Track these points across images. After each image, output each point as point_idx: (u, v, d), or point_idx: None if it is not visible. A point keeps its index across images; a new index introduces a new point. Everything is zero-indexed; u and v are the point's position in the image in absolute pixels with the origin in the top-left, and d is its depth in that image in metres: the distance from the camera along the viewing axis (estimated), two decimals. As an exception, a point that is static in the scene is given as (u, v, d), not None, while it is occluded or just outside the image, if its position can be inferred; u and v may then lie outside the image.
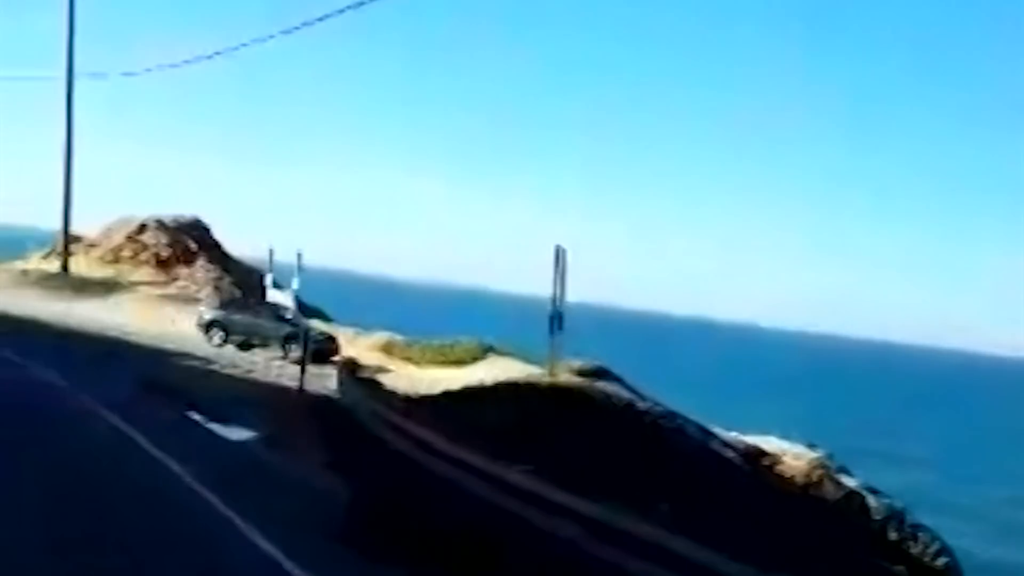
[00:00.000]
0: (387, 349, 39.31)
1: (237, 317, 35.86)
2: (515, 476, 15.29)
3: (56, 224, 48.41)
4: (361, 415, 20.67)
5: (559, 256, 27.23)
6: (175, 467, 15.58)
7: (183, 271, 48.56)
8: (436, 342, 39.62)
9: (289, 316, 36.30)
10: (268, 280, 45.29)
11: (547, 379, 26.96)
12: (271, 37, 38.59)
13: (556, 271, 27.27)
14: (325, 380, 25.62)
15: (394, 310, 74.27)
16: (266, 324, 35.14)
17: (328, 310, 47.46)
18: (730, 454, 27.50)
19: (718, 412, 35.20)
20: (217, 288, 47.28)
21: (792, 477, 31.25)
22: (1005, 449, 71.41)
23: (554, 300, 27.29)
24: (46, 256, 50.23)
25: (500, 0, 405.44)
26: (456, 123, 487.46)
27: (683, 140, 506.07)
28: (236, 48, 41.75)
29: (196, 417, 20.23)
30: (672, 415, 26.86)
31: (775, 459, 32.01)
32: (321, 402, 23.26)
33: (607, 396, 24.93)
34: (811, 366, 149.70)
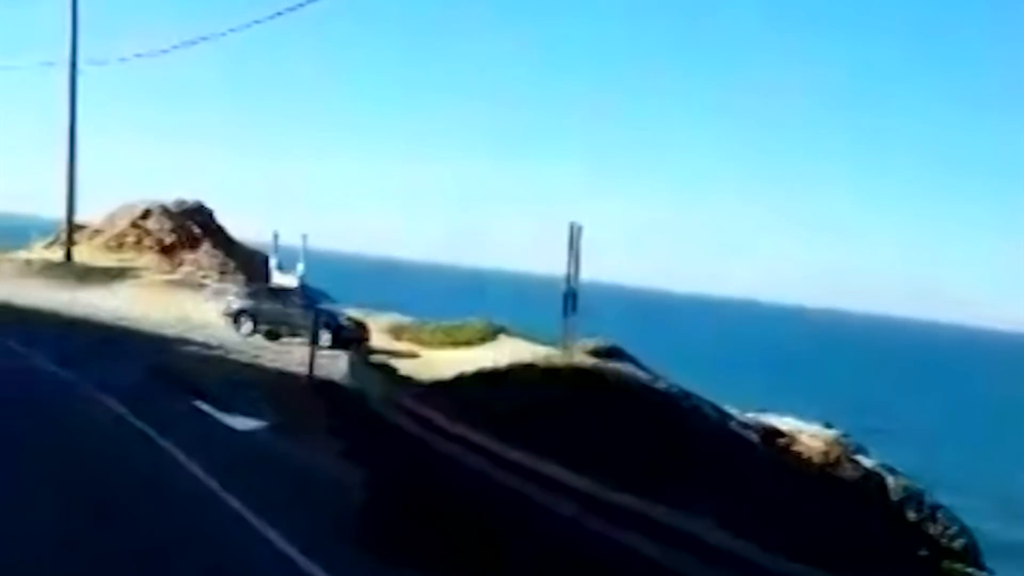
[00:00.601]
0: (395, 331, 38.27)
1: (266, 306, 34.65)
2: (535, 463, 14.27)
3: (59, 213, 47.31)
4: (373, 400, 19.57)
5: (573, 234, 26.14)
6: (182, 458, 14.53)
7: (188, 256, 47.50)
8: (445, 324, 38.58)
9: (322, 304, 34.94)
10: (273, 263, 44.25)
11: (563, 360, 25.95)
12: (256, 23, 38.14)
13: (570, 250, 26.20)
14: (335, 365, 24.52)
15: (400, 292, 73.10)
16: (295, 312, 33.73)
17: (334, 293, 46.27)
18: (750, 435, 26.38)
19: (726, 390, 34.20)
20: (223, 273, 46.23)
21: (809, 457, 30.29)
22: (1012, 425, 70.36)
23: (568, 279, 26.22)
24: (49, 245, 49.13)
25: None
26: (454, 106, 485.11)
27: (682, 120, 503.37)
28: (223, 34, 41.41)
29: (203, 406, 19.11)
30: (688, 395, 25.86)
31: (791, 439, 31.03)
32: (331, 388, 22.16)
33: (625, 377, 23.90)
34: (812, 341, 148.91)
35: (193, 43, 43.48)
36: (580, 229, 26.35)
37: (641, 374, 25.99)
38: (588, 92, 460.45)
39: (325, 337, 32.14)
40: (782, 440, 30.45)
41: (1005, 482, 49.71)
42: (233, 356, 27.75)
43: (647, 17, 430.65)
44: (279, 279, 43.07)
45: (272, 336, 33.63)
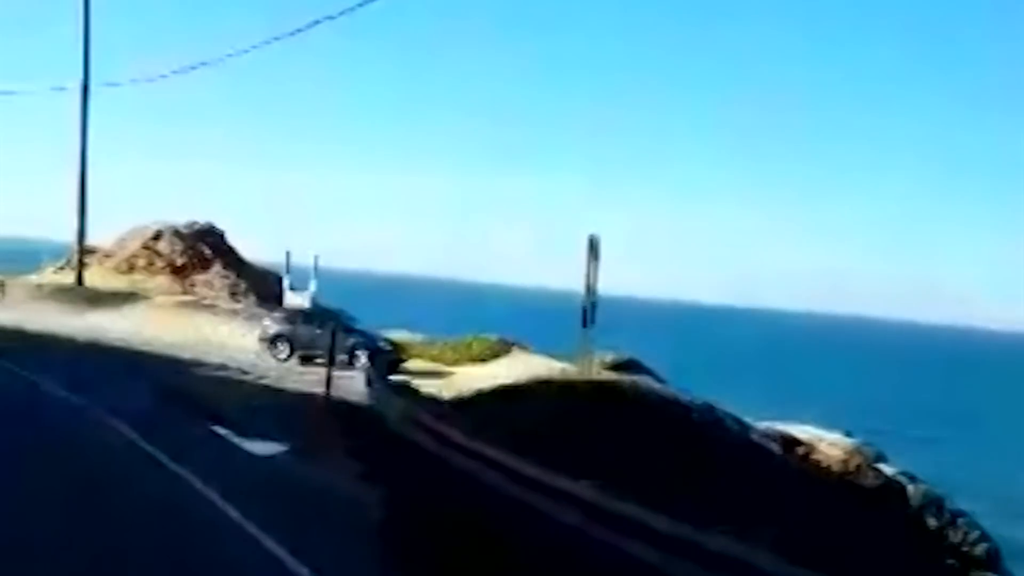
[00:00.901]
0: (405, 349, 37.74)
1: (302, 330, 34.03)
2: (568, 484, 13.75)
3: (69, 236, 46.85)
4: (391, 420, 19.05)
5: (593, 246, 25.59)
6: (199, 485, 14.04)
7: (199, 278, 47.06)
8: (455, 340, 38.11)
9: (356, 326, 34.68)
10: (285, 283, 43.81)
11: (584, 375, 25.46)
12: (253, 48, 38.49)
13: (589, 262, 25.65)
14: (352, 384, 24.03)
15: (406, 308, 72.48)
16: (327, 335, 33.08)
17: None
18: (771, 446, 25.87)
19: (734, 398, 33.69)
20: (234, 294, 45.80)
21: (829, 466, 29.77)
22: (1013, 426, 69.68)
23: (588, 291, 25.69)
24: (60, 268, 48.71)
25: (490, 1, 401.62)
26: (453, 120, 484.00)
27: (680, 130, 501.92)
28: (228, 56, 41.85)
29: (220, 431, 18.61)
30: (710, 408, 25.36)
31: (810, 448, 30.53)
32: (350, 408, 21.66)
33: (645, 391, 23.33)
34: (810, 346, 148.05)
35: (194, 68, 43.44)
36: (599, 241, 25.78)
37: (660, 387, 25.46)
38: (583, 106, 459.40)
39: (363, 360, 32.00)
40: (801, 449, 29.96)
41: (1012, 484, 49.10)
42: (249, 378, 27.30)
43: (641, 29, 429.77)
44: (292, 299, 42.63)
45: (307, 360, 32.95)
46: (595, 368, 26.64)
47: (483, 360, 35.16)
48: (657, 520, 11.53)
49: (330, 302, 44.64)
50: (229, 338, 38.19)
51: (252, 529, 11.76)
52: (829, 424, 33.96)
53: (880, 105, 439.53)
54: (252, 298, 45.86)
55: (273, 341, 34.02)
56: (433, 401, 21.56)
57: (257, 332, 35.43)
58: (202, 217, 51.54)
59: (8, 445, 15.86)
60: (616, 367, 28.20)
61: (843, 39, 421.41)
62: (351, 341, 32.79)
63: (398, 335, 39.80)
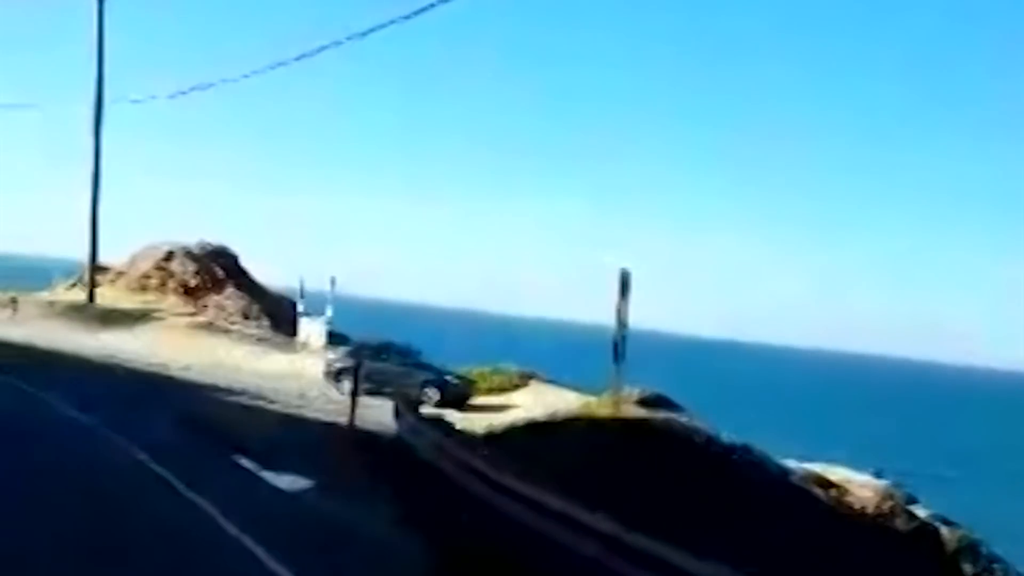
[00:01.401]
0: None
1: (371, 364, 31.40)
2: (619, 531, 12.41)
3: (81, 254, 45.52)
4: (424, 453, 17.62)
5: (624, 281, 24.27)
6: (222, 521, 12.75)
7: (211, 299, 45.70)
8: (476, 370, 36.71)
9: (422, 360, 33.22)
10: (300, 308, 42.54)
11: (612, 410, 24.09)
12: (256, 72, 37.66)
13: (621, 296, 24.31)
14: (377, 414, 22.66)
15: (422, 337, 70.84)
16: (398, 370, 31.83)
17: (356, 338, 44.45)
18: (816, 490, 24.48)
19: (744, 435, 32.38)
20: (247, 317, 44.47)
21: (863, 508, 28.38)
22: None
23: (619, 325, 24.34)
24: (72, 286, 47.39)
25: (495, 31, 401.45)
26: (455, 150, 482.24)
27: (682, 164, 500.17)
28: (235, 79, 40.76)
29: (245, 463, 17.22)
30: (747, 448, 23.94)
31: (842, 489, 29.16)
32: (378, 440, 20.24)
33: (685, 430, 21.94)
34: (810, 382, 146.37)
35: (203, 88, 42.40)
36: (629, 275, 24.46)
37: (697, 425, 24.05)
38: (586, 137, 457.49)
39: (433, 395, 30.85)
40: (833, 491, 28.58)
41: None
42: (270, 405, 25.91)
43: (645, 61, 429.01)
44: (307, 326, 41.34)
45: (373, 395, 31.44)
46: (623, 403, 25.28)
47: (503, 390, 33.79)
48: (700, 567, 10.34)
49: (344, 328, 43.42)
50: (243, 361, 36.87)
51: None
52: (845, 462, 32.64)
53: (883, 139, 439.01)
54: (265, 321, 44.54)
55: (338, 376, 32.06)
56: (464, 435, 20.15)
57: (320, 367, 33.64)
58: (209, 238, 50.10)
59: (18, 476, 14.50)
60: (645, 403, 26.77)
61: (846, 73, 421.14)
62: (421, 377, 31.51)
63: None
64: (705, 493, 19.44)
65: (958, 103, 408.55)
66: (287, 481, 16.10)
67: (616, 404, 24.73)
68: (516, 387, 34.85)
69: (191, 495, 14.19)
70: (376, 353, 32.80)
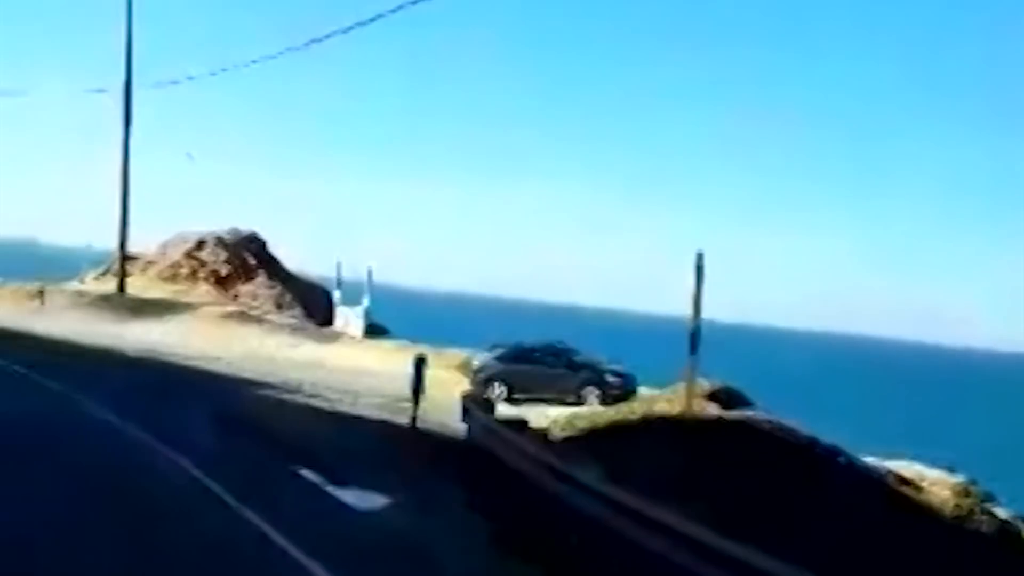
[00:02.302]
0: (465, 369, 33.82)
1: (521, 368, 29.19)
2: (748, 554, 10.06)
3: (111, 243, 43.12)
4: (511, 460, 15.15)
5: (699, 265, 21.77)
6: (288, 547, 10.42)
7: (243, 288, 43.29)
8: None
9: (579, 359, 29.86)
10: (336, 297, 40.19)
11: (689, 407, 21.67)
12: (264, 57, 39.03)
13: (697, 283, 21.83)
14: (439, 412, 20.25)
15: (459, 325, 68.10)
16: (553, 371, 28.87)
17: (396, 327, 42.01)
18: (908, 491, 22.03)
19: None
20: (279, 306, 42.08)
21: (940, 507, 25.99)
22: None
23: (696, 314, 21.89)
24: (101, 275, 44.99)
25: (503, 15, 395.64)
26: (465, 132, 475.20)
27: (688, 148, 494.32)
28: (247, 64, 41.16)
29: (305, 474, 14.76)
30: (837, 448, 21.54)
31: (917, 487, 26.76)
32: (450, 444, 17.81)
33: (779, 433, 19.50)
34: (824, 367, 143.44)
35: (213, 74, 42.67)
36: (702, 257, 21.96)
37: (781, 423, 21.59)
38: (588, 120, 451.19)
39: (592, 397, 28.14)
40: (908, 488, 26.18)
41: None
42: (316, 401, 23.44)
43: (651, 44, 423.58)
44: (343, 314, 38.98)
45: (526, 400, 28.32)
46: (697, 398, 22.85)
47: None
48: None
49: (385, 319, 41.07)
50: (278, 352, 34.51)
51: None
52: (910, 457, 30.21)
53: (882, 124, 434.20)
54: (298, 310, 42.13)
55: (487, 382, 28.98)
56: (540, 433, 17.69)
57: (469, 373, 30.25)
58: (236, 224, 47.47)
59: (53, 501, 12.08)
60: (716, 397, 24.33)
61: (842, 58, 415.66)
62: (580, 377, 28.61)
63: (453, 354, 35.93)
64: (826, 504, 17.09)
65: (958, 90, 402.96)
66: (358, 497, 13.62)
67: (690, 399, 22.32)
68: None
69: (248, 514, 11.77)
70: (525, 355, 29.85)
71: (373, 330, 38.96)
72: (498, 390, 28.53)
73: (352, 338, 37.34)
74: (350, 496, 13.59)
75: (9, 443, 14.98)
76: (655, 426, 19.01)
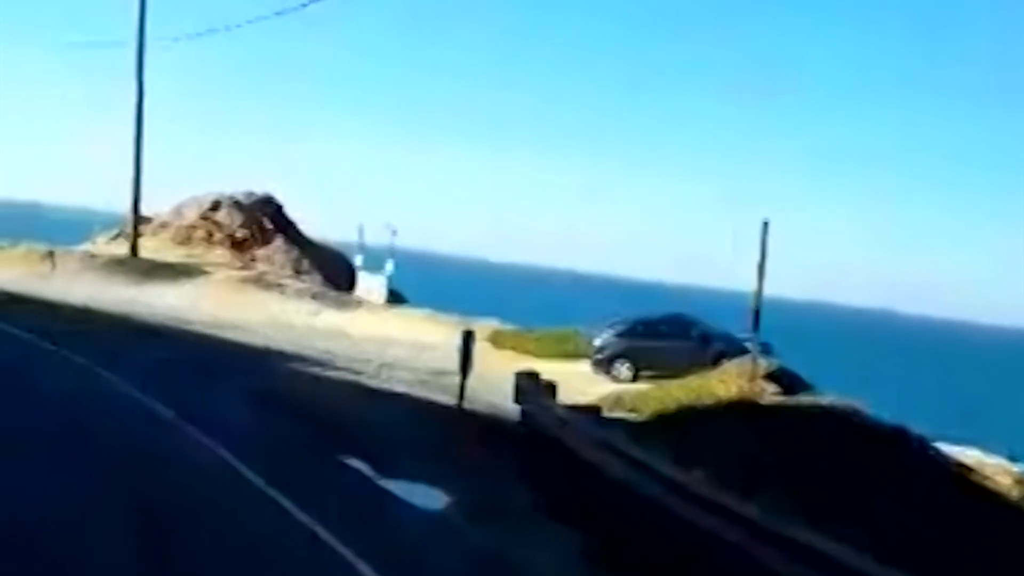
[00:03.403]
0: (494, 339, 32.05)
1: (647, 344, 26.62)
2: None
3: (121, 206, 41.16)
4: (578, 449, 13.46)
5: (764, 236, 19.99)
6: (348, 556, 8.83)
7: (260, 252, 41.48)
8: (552, 331, 32.51)
9: (707, 331, 27.16)
10: (358, 262, 38.43)
11: (752, 388, 20.01)
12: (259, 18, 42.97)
13: (761, 256, 20.06)
14: (483, 391, 18.55)
15: (482, 293, 65.95)
16: (684, 345, 26.26)
17: (420, 295, 40.26)
18: (997, 484, 20.39)
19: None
20: (298, 271, 40.29)
21: (1007, 494, 24.43)
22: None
23: (759, 290, 20.17)
24: (113, 238, 43.10)
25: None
26: (478, 96, 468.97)
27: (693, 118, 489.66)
28: (239, 26, 44.73)
29: (354, 464, 13.08)
30: (907, 431, 19.86)
31: (980, 474, 25.16)
32: (504, 428, 16.14)
33: (860, 419, 17.80)
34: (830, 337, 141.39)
35: (200, 35, 41.35)
36: (767, 227, 20.13)
37: (856, 408, 19.88)
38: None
39: None
40: (972, 476, 24.56)
41: None
42: (347, 375, 21.71)
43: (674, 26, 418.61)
44: (366, 281, 37.23)
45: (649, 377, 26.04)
46: (759, 380, 21.16)
47: (577, 356, 29.61)
48: None
49: (407, 287, 39.33)
50: (298, 319, 32.81)
51: None
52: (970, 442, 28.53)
53: (879, 98, 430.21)
54: (317, 275, 40.35)
55: (611, 361, 26.79)
56: (611, 416, 15.99)
57: (591, 351, 27.69)
58: (250, 186, 45.44)
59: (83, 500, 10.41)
60: (774, 378, 22.59)
61: (842, 32, 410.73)
62: (714, 349, 25.95)
63: (482, 324, 34.18)
64: (901, 489, 15.43)
65: (957, 63, 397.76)
66: (418, 494, 11.98)
67: (753, 380, 20.64)
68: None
69: (300, 515, 10.13)
70: (651, 329, 27.37)
71: (392, 297, 37.24)
72: (624, 369, 26.34)
73: (374, 305, 35.63)
74: (406, 491, 11.96)
75: (30, 424, 13.31)
76: (726, 410, 17.25)
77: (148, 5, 39.55)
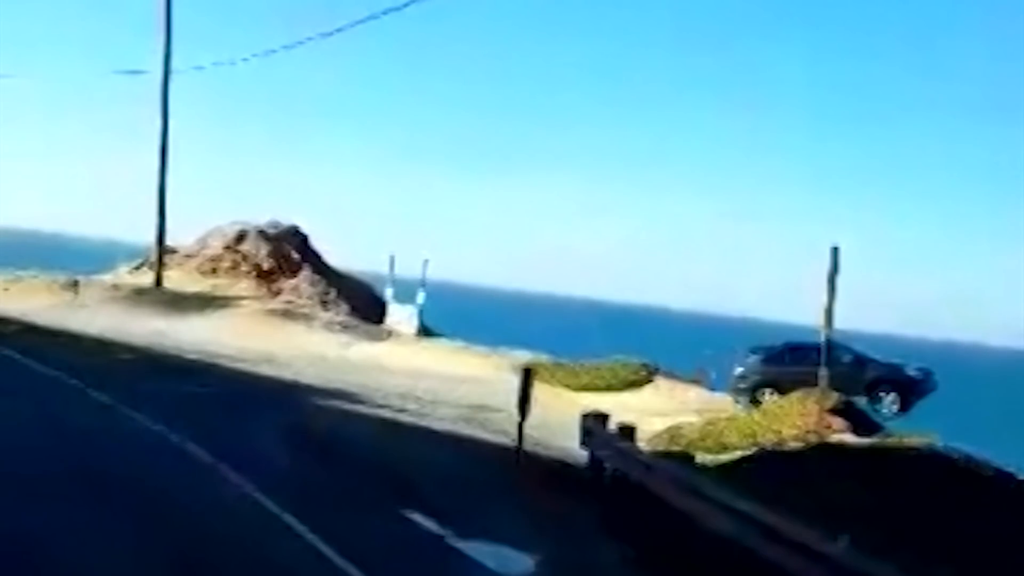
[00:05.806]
0: (535, 372, 30.31)
1: (797, 368, 24.03)
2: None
3: (145, 236, 39.79)
4: (675, 499, 11.78)
5: (835, 261, 18.44)
6: None
7: (286, 284, 39.99)
8: (589, 363, 30.83)
9: (857, 355, 25.37)
10: (388, 294, 36.91)
11: (820, 425, 18.38)
12: (283, 47, 38.98)
13: (830, 284, 18.52)
14: (541, 430, 16.92)
15: (513, 325, 63.80)
16: (835, 371, 22.63)
17: (448, 325, 38.67)
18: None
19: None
20: (325, 302, 38.78)
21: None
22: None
23: (828, 317, 18.60)
24: (137, 268, 41.70)
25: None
26: (460, 120, 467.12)
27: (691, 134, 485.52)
28: (266, 54, 39.75)
29: (421, 521, 11.42)
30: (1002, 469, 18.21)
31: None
32: (574, 475, 14.49)
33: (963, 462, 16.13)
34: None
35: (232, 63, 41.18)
36: (838, 253, 18.58)
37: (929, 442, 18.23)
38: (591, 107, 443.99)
39: (890, 402, 24.41)
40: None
41: None
42: (389, 414, 20.07)
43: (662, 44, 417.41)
44: (396, 313, 35.70)
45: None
46: (826, 416, 19.52)
47: (633, 386, 28.05)
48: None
49: (437, 318, 37.77)
50: (329, 351, 31.27)
51: None
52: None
53: (881, 117, 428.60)
54: (344, 306, 38.82)
55: (754, 389, 25.38)
56: (696, 463, 14.31)
57: (732, 380, 26.49)
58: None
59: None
60: (835, 411, 20.94)
61: (841, 53, 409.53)
62: (870, 375, 24.54)
63: (516, 356, 32.54)
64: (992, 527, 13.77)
65: (959, 81, 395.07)
66: (494, 557, 10.32)
67: (821, 419, 18.99)
68: (636, 384, 29.03)
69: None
70: (799, 354, 25.07)
71: (426, 331, 35.77)
72: (769, 398, 24.42)
73: (405, 337, 34.09)
74: (484, 555, 10.27)
75: (53, 469, 11.74)
76: (809, 454, 15.58)
77: (173, 34, 38.27)
